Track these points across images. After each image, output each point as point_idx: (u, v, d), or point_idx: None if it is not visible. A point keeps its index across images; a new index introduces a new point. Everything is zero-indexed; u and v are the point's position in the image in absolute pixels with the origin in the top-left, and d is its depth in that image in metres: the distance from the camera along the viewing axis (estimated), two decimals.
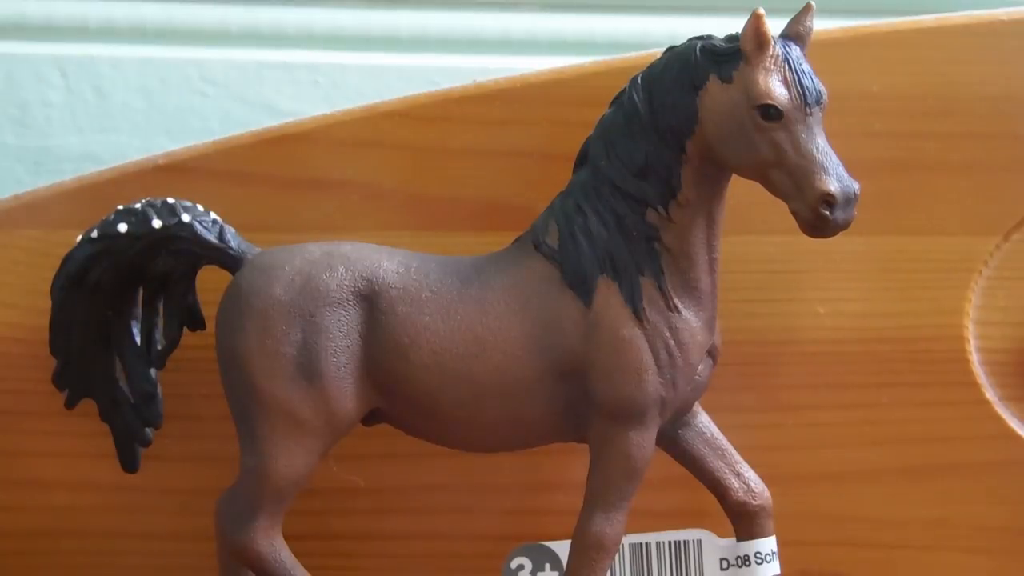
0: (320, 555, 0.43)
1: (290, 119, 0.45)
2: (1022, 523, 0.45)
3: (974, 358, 0.44)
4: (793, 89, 0.34)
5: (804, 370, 0.44)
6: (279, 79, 0.54)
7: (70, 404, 0.40)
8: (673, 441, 0.39)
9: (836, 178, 0.33)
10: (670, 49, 0.37)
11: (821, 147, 0.34)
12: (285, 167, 0.44)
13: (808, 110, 0.34)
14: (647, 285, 0.36)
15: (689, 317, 0.36)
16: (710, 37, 0.36)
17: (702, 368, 0.37)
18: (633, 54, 0.43)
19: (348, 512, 0.45)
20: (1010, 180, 0.44)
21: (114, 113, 0.54)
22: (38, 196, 0.44)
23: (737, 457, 0.39)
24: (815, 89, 0.35)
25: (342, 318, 0.36)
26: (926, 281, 0.44)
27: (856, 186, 0.34)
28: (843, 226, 0.34)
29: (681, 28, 0.54)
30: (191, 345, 0.41)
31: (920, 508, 0.45)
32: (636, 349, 0.36)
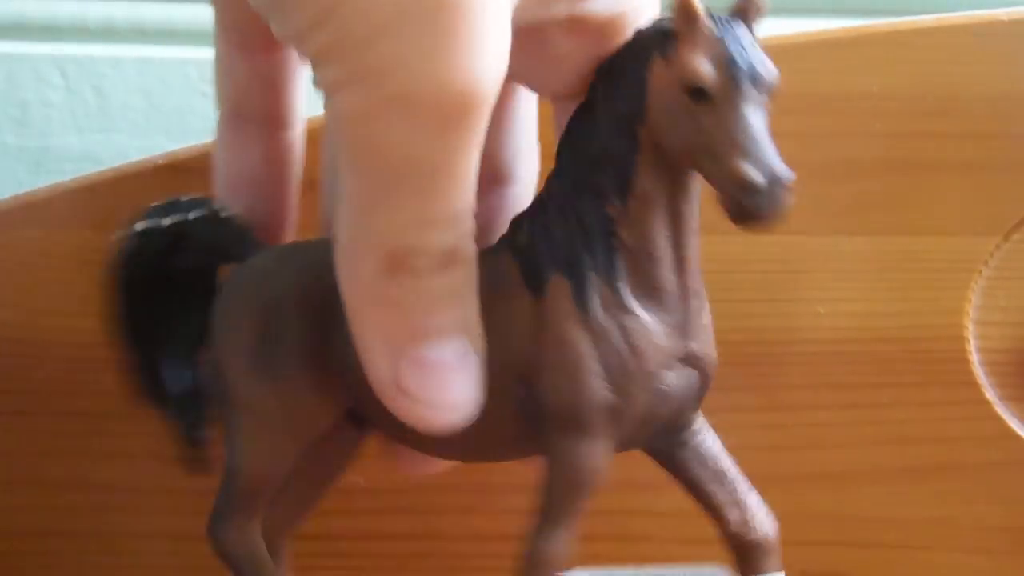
0: (320, 555, 0.43)
1: None
2: (1022, 523, 0.45)
3: (974, 358, 0.44)
4: (724, 68, 0.30)
5: (804, 370, 0.44)
6: None
7: (149, 409, 0.39)
8: (671, 461, 0.36)
9: (757, 163, 0.30)
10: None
11: (751, 132, 0.30)
12: None
13: (741, 91, 0.30)
14: (600, 283, 0.33)
15: (647, 319, 0.32)
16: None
17: (674, 379, 0.33)
18: None
19: (348, 512, 0.45)
20: (1010, 180, 0.44)
21: (114, 113, 0.54)
22: (38, 196, 0.44)
23: (741, 484, 0.35)
24: (751, 68, 0.31)
25: (306, 313, 0.35)
26: (926, 281, 0.44)
27: (785, 174, 0.30)
28: (769, 217, 0.30)
29: None
30: None
31: (920, 508, 0.45)
32: (580, 351, 0.32)
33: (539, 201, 0.34)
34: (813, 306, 0.44)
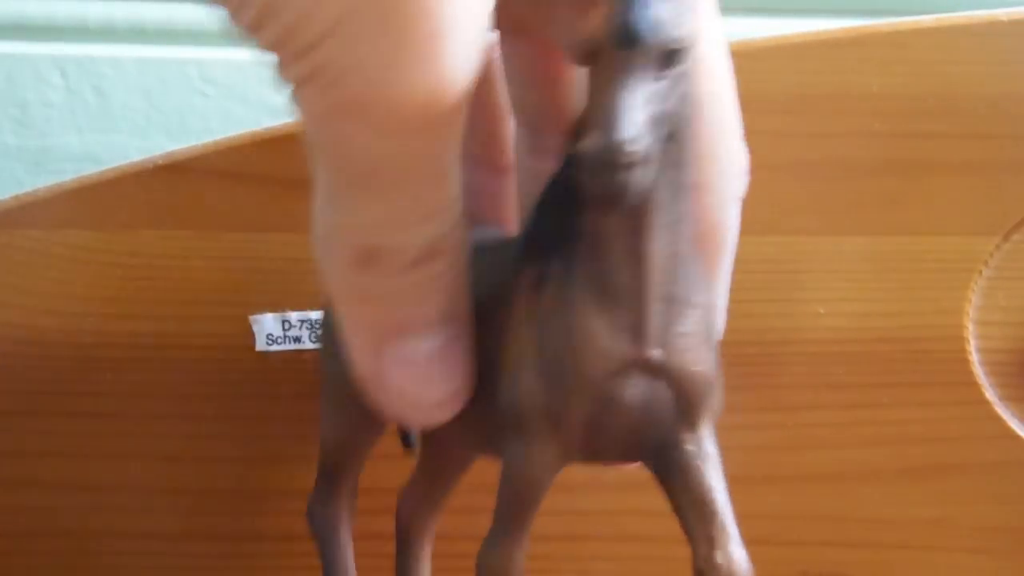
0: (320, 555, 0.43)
1: (290, 119, 0.45)
2: (1022, 523, 0.45)
3: (974, 358, 0.44)
4: (606, 29, 0.26)
5: (804, 370, 0.44)
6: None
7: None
8: (662, 481, 0.32)
9: (599, 132, 0.25)
10: None
11: (611, 99, 0.25)
12: (285, 167, 0.44)
13: (616, 53, 0.26)
14: (556, 275, 0.29)
15: (592, 317, 0.29)
16: None
17: (627, 388, 0.29)
18: None
19: None
20: (1010, 180, 0.44)
21: (114, 113, 0.54)
22: (38, 196, 0.44)
23: (720, 519, 0.31)
24: (627, 28, 0.26)
25: None
26: (926, 281, 0.44)
27: (621, 138, 0.25)
28: (610, 192, 0.25)
29: None
30: (191, 345, 0.41)
31: (920, 508, 0.45)
32: (524, 349, 0.29)
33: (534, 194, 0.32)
34: (813, 306, 0.44)
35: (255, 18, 0.24)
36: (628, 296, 0.29)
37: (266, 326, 0.43)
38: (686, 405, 0.30)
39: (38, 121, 0.54)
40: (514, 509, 0.31)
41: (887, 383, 0.44)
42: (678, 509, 0.31)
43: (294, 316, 0.43)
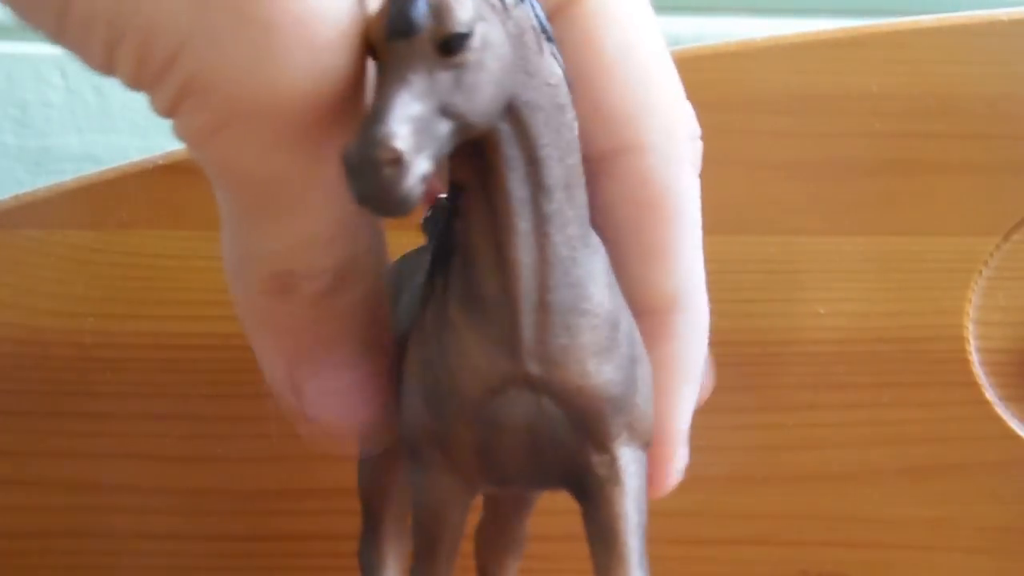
0: (320, 555, 0.43)
1: None
2: (1022, 523, 0.45)
3: (974, 358, 0.44)
4: (378, 25, 0.24)
5: (804, 370, 0.44)
6: None
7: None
8: (582, 507, 0.29)
9: (361, 131, 0.23)
10: None
11: (380, 96, 0.23)
12: None
13: (388, 48, 0.24)
14: (437, 291, 0.27)
15: (464, 333, 0.26)
16: None
17: (508, 406, 0.27)
18: None
19: (348, 512, 0.44)
20: (1010, 180, 0.44)
21: (114, 113, 0.54)
22: (38, 196, 0.44)
23: (620, 549, 0.28)
24: (396, 17, 0.24)
25: None
26: (926, 281, 0.44)
27: (379, 136, 0.22)
28: (373, 194, 0.22)
29: (681, 28, 0.54)
30: (191, 345, 0.41)
31: (920, 508, 0.45)
32: (410, 369, 0.28)
33: None
34: (813, 306, 0.44)
35: (104, 52, 0.22)
36: (498, 309, 0.26)
37: None
38: (583, 423, 0.27)
39: (38, 121, 0.54)
40: (423, 542, 0.29)
41: (887, 383, 0.44)
42: (588, 536, 0.29)
43: None
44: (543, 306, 0.26)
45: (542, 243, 0.26)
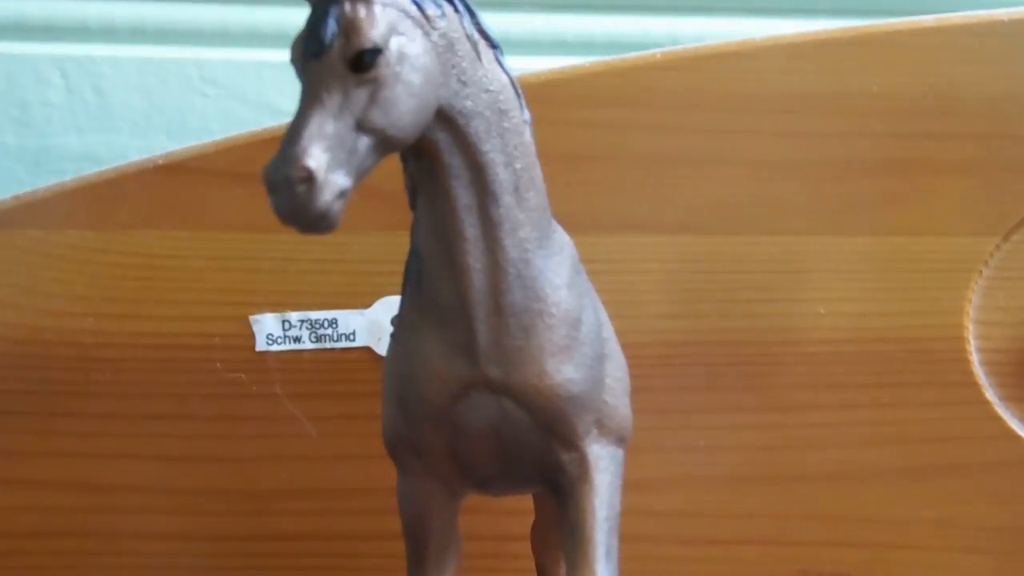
0: (320, 555, 0.43)
1: (290, 119, 0.45)
2: (1022, 523, 0.45)
3: (974, 358, 0.44)
4: (295, 46, 0.25)
5: (804, 370, 0.44)
6: (279, 79, 0.54)
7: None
8: (556, 502, 0.30)
9: (278, 151, 0.24)
10: None
11: (296, 119, 0.25)
12: None
13: (304, 68, 0.25)
14: (409, 294, 0.28)
15: (424, 339, 0.27)
16: None
17: (470, 409, 0.28)
18: (633, 54, 0.43)
19: (348, 512, 0.45)
20: (1010, 180, 0.44)
21: (114, 113, 0.54)
22: (38, 196, 0.44)
23: (585, 545, 0.29)
24: (306, 40, 0.25)
25: None
26: (926, 281, 0.44)
27: (291, 155, 0.24)
28: (286, 215, 0.24)
29: (681, 28, 0.54)
30: (191, 345, 0.41)
31: (920, 508, 0.45)
32: (387, 377, 0.29)
33: None
34: (813, 306, 0.44)
35: None
36: (454, 313, 0.27)
37: (266, 326, 0.43)
38: (547, 423, 0.28)
39: (38, 121, 0.54)
40: (411, 547, 0.30)
41: (887, 383, 0.44)
42: (560, 531, 0.30)
43: (294, 316, 0.43)
44: (498, 309, 0.27)
45: (492, 248, 0.27)
